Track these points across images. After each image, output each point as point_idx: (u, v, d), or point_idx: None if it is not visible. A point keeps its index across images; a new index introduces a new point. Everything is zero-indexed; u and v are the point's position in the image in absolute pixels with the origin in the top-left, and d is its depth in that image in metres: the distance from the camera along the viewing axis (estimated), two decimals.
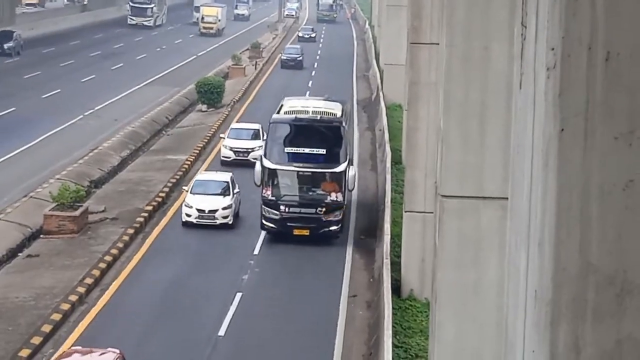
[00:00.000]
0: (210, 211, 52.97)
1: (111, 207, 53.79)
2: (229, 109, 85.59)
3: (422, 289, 39.22)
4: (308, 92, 76.03)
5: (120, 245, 46.42)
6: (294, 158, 52.82)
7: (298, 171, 52.50)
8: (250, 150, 55.87)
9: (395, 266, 41.31)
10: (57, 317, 35.86)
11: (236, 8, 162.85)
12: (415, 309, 39.55)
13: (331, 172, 52.26)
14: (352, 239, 54.30)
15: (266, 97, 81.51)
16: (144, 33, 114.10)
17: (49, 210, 48.37)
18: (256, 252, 52.18)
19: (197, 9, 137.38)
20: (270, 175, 51.86)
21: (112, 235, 48.35)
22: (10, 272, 41.28)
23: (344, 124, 54.11)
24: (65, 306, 37.04)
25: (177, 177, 59.92)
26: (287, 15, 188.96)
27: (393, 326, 34.13)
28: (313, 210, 51.87)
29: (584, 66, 6.75)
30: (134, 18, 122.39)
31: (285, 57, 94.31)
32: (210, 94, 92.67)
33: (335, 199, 51.66)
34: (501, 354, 9.44)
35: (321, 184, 54.31)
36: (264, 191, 49.56)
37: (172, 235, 52.98)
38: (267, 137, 54.15)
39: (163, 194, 58.51)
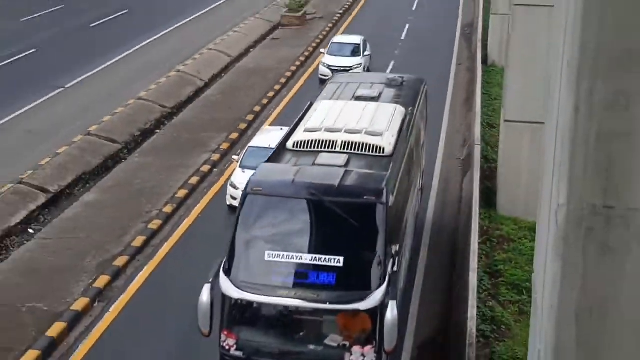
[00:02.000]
0: None
1: (320, 10, 50.99)
2: None
3: (500, 60, 36.27)
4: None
5: (324, 32, 45.94)
6: (282, 277, 14.68)
7: (286, 307, 14.76)
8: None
9: (485, 46, 39.06)
10: (288, 74, 37.39)
11: None
12: (495, 72, 36.51)
13: (350, 312, 14.48)
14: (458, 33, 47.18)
15: None
16: None
17: (284, 13, 47.48)
18: None
19: None
20: (236, 313, 15.13)
21: (320, 27, 46.96)
22: (263, 49, 42.10)
23: (384, 196, 14.95)
24: (293, 68, 38.36)
25: None
26: None
27: (482, 82, 32.71)
28: None
29: None
30: None
31: None
32: None
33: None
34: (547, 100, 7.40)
35: (333, 332, 14.92)
36: (224, 340, 14.68)
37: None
38: (236, 227, 15.10)
39: (351, 1, 54.27)
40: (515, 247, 20.19)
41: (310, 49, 41.50)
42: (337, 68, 31.12)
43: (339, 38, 35.01)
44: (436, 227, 22.35)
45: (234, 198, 21.57)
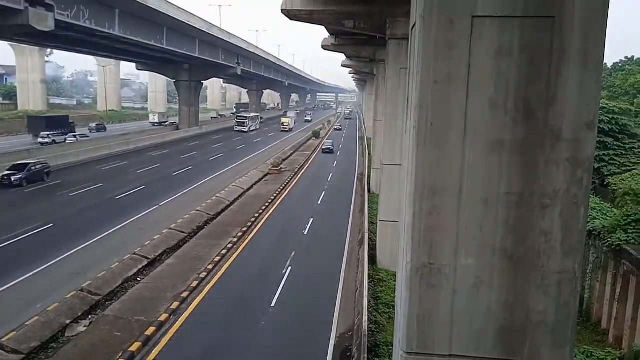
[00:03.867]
0: None
1: (288, 166, 48.29)
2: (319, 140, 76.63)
3: (377, 190, 32.79)
4: (335, 162, 52.94)
5: (290, 177, 43.24)
6: None
7: None
8: None
9: (369, 184, 37.56)
10: (273, 197, 36.46)
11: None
12: (374, 196, 32.68)
13: None
14: None
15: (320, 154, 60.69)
16: (243, 135, 76.37)
17: (270, 168, 44.71)
18: None
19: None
20: None
21: (288, 175, 44.58)
22: (260, 185, 39.90)
23: None
24: (275, 194, 37.16)
25: None
26: (334, 114, 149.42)
27: (368, 201, 30.00)
28: None
29: None
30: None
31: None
32: (315, 133, 75.87)
33: None
34: None
35: None
36: None
37: None
38: None
39: (302, 163, 56.70)
40: (387, 284, 19.98)
41: (283, 185, 40.50)
42: None
43: None
44: (347, 273, 21.49)
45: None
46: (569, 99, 5.27)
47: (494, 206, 5.54)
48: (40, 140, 55.51)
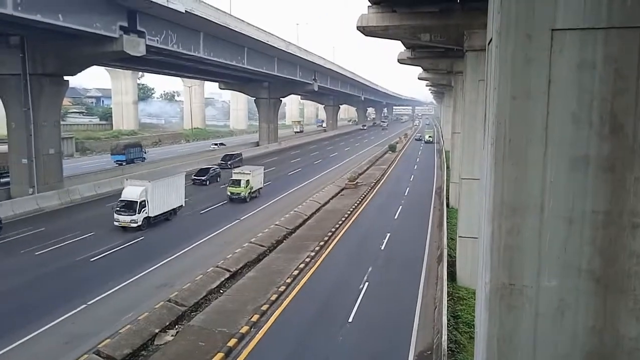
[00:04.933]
0: None
1: (364, 181, 47.87)
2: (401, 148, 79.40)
3: (456, 204, 30.83)
4: (412, 176, 51.42)
5: (366, 192, 43.22)
6: None
7: None
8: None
9: (447, 198, 36.47)
10: (349, 211, 35.35)
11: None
12: (453, 211, 31.07)
13: None
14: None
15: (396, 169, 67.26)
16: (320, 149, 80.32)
17: (347, 182, 44.90)
18: None
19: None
20: None
21: (364, 189, 44.11)
22: (336, 200, 40.01)
23: None
24: (352, 208, 36.93)
25: None
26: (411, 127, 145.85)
27: (447, 216, 29.08)
28: None
29: None
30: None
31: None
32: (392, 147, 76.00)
33: None
34: None
35: None
36: None
37: None
38: None
39: (378, 177, 57.06)
40: (467, 302, 19.38)
41: (360, 200, 40.38)
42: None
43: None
44: (426, 290, 21.08)
45: None
46: None
47: (579, 225, 5.31)
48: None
